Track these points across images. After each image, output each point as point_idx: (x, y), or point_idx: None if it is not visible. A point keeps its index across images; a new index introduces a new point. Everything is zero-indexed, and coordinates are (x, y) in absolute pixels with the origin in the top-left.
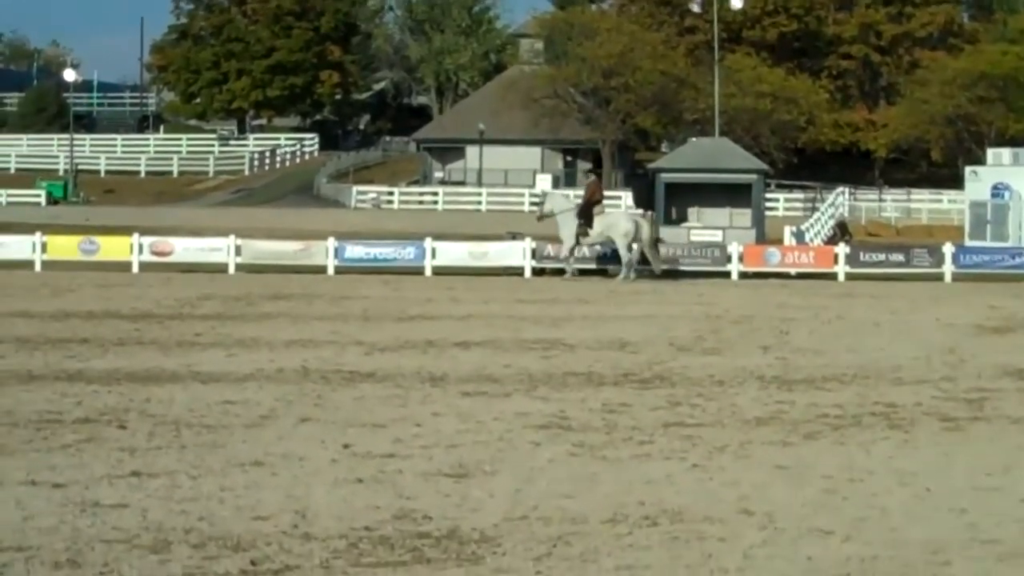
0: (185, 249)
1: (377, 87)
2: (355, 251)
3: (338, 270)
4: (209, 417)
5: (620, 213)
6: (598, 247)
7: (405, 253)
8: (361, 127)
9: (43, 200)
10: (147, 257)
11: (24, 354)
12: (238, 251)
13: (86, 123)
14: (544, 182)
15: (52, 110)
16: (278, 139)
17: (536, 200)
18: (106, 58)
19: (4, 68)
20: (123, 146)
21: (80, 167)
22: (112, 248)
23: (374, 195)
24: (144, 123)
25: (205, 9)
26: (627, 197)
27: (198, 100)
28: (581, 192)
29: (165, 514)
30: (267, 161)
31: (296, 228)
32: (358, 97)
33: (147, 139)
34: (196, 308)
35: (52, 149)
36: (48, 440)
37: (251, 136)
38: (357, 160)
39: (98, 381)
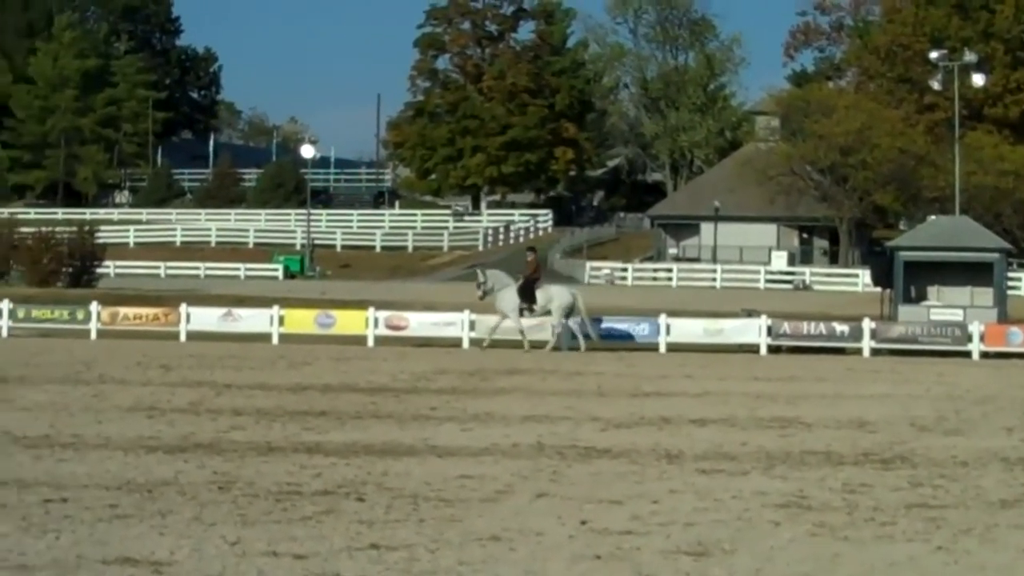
0: (420, 323)
1: (611, 163)
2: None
3: (571, 346)
4: (446, 491)
5: (558, 288)
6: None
7: (639, 329)
8: (595, 203)
9: (280, 274)
10: (382, 331)
11: (263, 426)
12: (472, 326)
13: (323, 198)
14: (780, 259)
15: (290, 186)
16: (512, 215)
17: (480, 280)
18: (343, 134)
19: (244, 145)
20: (359, 221)
21: (316, 242)
22: (348, 322)
23: (608, 271)
24: (380, 198)
25: (441, 86)
26: (864, 275)
27: (433, 176)
28: (816, 269)
29: None
30: (501, 237)
31: None
32: (592, 173)
33: (382, 214)
34: (431, 382)
35: (289, 224)
36: (288, 512)
37: (485, 212)
38: (591, 236)
39: (336, 454)
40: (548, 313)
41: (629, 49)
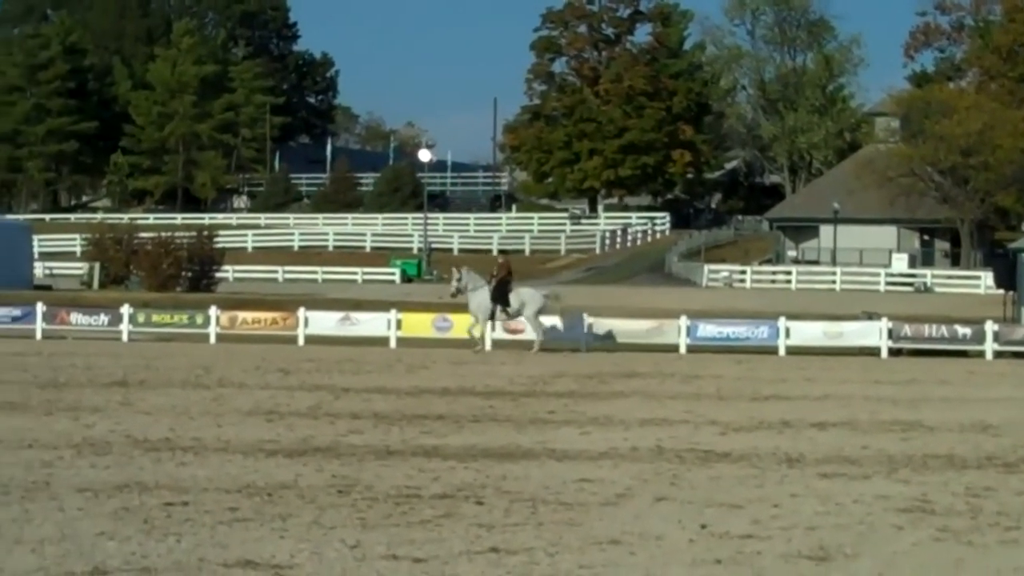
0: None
1: (729, 166)
2: (707, 330)
3: (690, 349)
4: (565, 494)
5: (529, 290)
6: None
7: (758, 332)
8: (713, 205)
9: (397, 278)
10: (499, 335)
11: (381, 430)
12: (590, 329)
13: (440, 202)
14: (900, 262)
15: (407, 190)
16: (629, 218)
17: (456, 277)
18: (460, 138)
19: (361, 149)
20: (475, 225)
21: (433, 246)
22: (465, 325)
23: (726, 274)
24: (496, 202)
25: (558, 90)
26: (986, 277)
27: (550, 179)
28: (937, 271)
29: None
30: (618, 239)
31: (647, 306)
32: (710, 176)
33: (499, 218)
34: (549, 385)
35: (406, 228)
36: (407, 515)
37: (602, 215)
38: (709, 239)
39: (454, 457)
40: (520, 315)
41: (747, 51)
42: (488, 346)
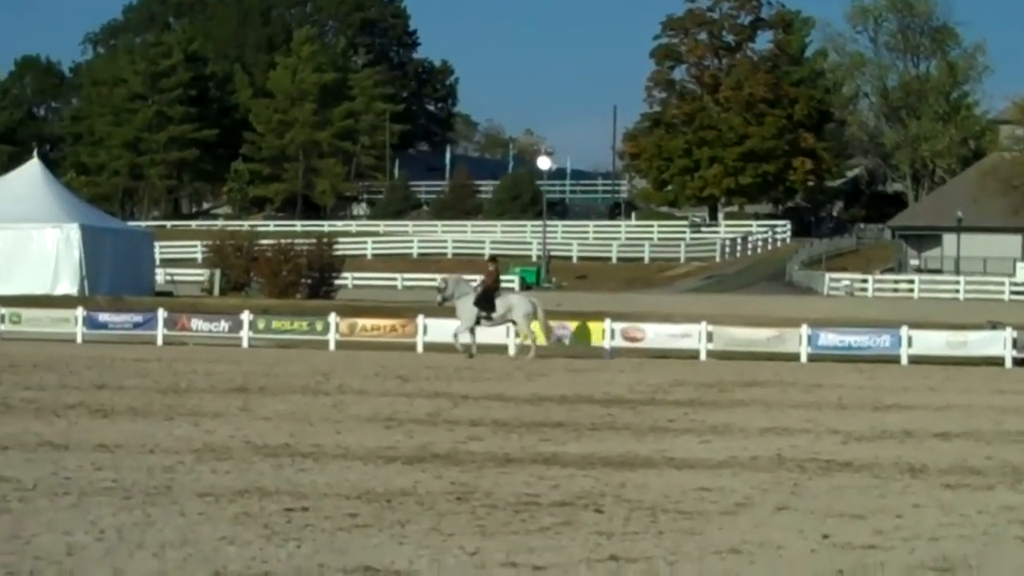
0: (656, 335)
1: (851, 174)
2: (829, 338)
3: (811, 357)
4: (685, 503)
5: (518, 296)
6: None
7: (880, 341)
8: (834, 214)
9: (516, 285)
10: (618, 342)
11: (500, 437)
12: (709, 337)
13: (559, 210)
14: None
15: (526, 197)
16: (750, 226)
17: (439, 287)
18: (579, 146)
19: (480, 157)
20: (595, 233)
21: (552, 253)
22: (584, 333)
23: (847, 282)
24: (616, 210)
25: (678, 97)
26: None
27: (670, 187)
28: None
29: None
30: (738, 248)
31: (767, 315)
32: (831, 184)
33: (618, 226)
34: (668, 394)
35: (525, 235)
36: (527, 522)
37: (723, 223)
38: (830, 247)
39: (573, 465)
40: (507, 321)
41: (869, 58)
42: (474, 351)
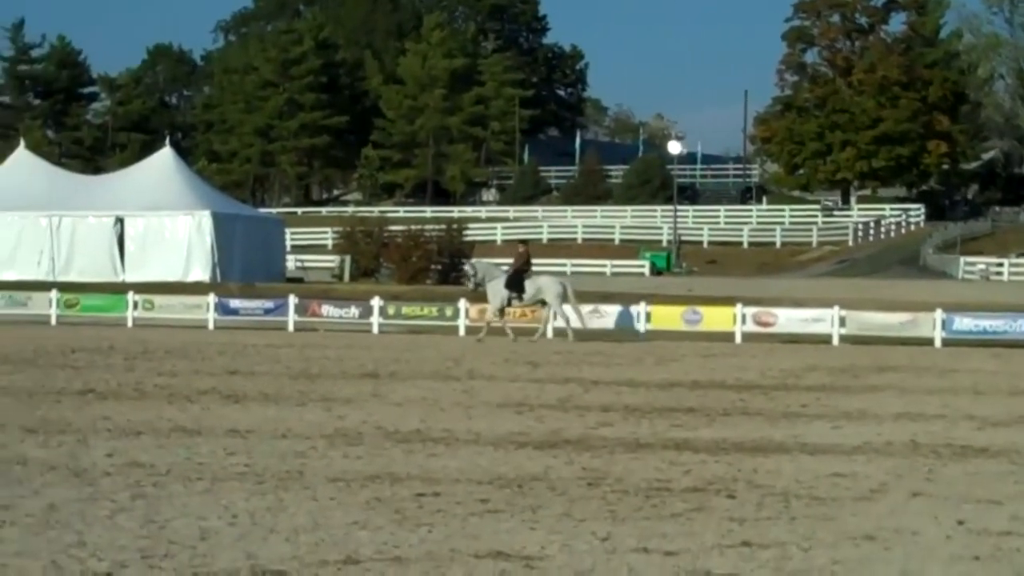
0: (788, 320)
1: (986, 156)
2: (964, 323)
3: (945, 342)
4: (818, 489)
5: (548, 278)
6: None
7: (1017, 325)
8: (969, 197)
9: (646, 270)
10: (750, 327)
11: (632, 422)
12: (842, 322)
13: (689, 194)
14: None
15: (656, 182)
16: (883, 209)
17: (470, 272)
18: (709, 130)
19: (610, 141)
20: (726, 217)
21: (683, 238)
22: (715, 318)
23: (983, 266)
24: (747, 194)
25: (810, 80)
26: None
27: (802, 171)
28: None
29: None
30: (871, 232)
31: (901, 299)
32: (966, 167)
33: (749, 210)
34: (801, 379)
35: (655, 220)
36: (658, 508)
37: (855, 206)
38: (965, 231)
39: (705, 450)
40: (538, 303)
41: (1005, 39)
42: (510, 334)
